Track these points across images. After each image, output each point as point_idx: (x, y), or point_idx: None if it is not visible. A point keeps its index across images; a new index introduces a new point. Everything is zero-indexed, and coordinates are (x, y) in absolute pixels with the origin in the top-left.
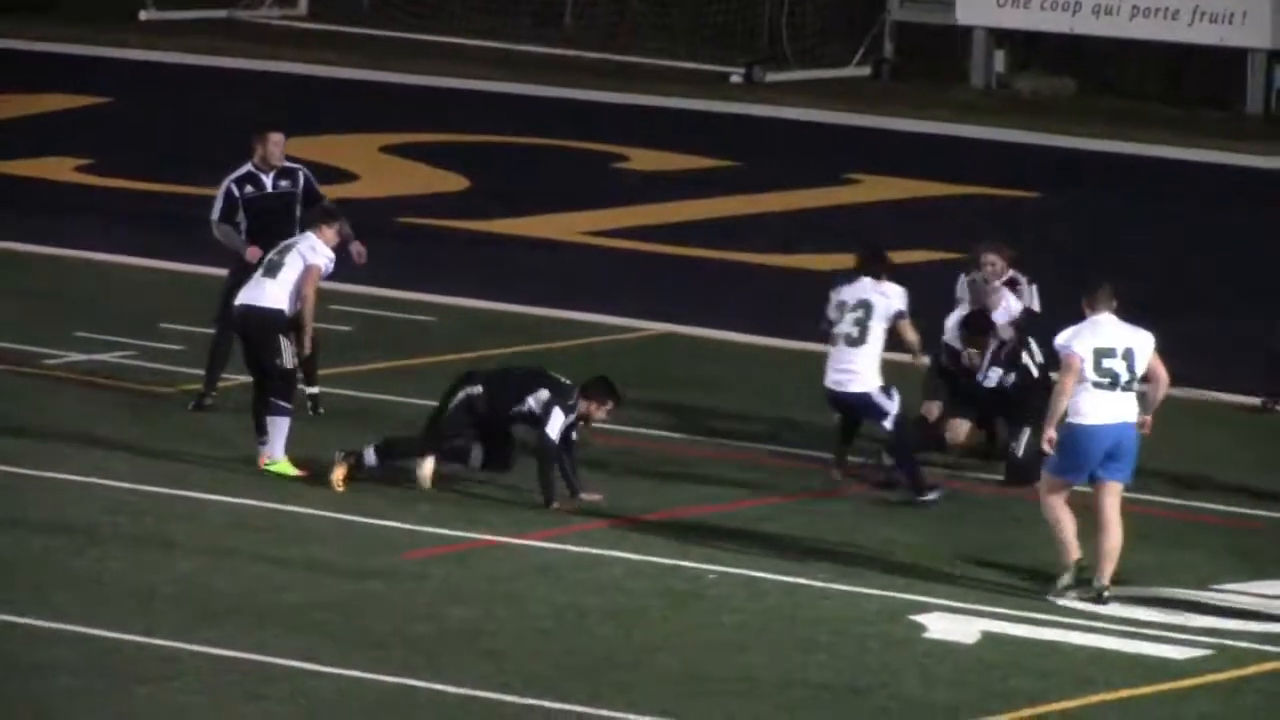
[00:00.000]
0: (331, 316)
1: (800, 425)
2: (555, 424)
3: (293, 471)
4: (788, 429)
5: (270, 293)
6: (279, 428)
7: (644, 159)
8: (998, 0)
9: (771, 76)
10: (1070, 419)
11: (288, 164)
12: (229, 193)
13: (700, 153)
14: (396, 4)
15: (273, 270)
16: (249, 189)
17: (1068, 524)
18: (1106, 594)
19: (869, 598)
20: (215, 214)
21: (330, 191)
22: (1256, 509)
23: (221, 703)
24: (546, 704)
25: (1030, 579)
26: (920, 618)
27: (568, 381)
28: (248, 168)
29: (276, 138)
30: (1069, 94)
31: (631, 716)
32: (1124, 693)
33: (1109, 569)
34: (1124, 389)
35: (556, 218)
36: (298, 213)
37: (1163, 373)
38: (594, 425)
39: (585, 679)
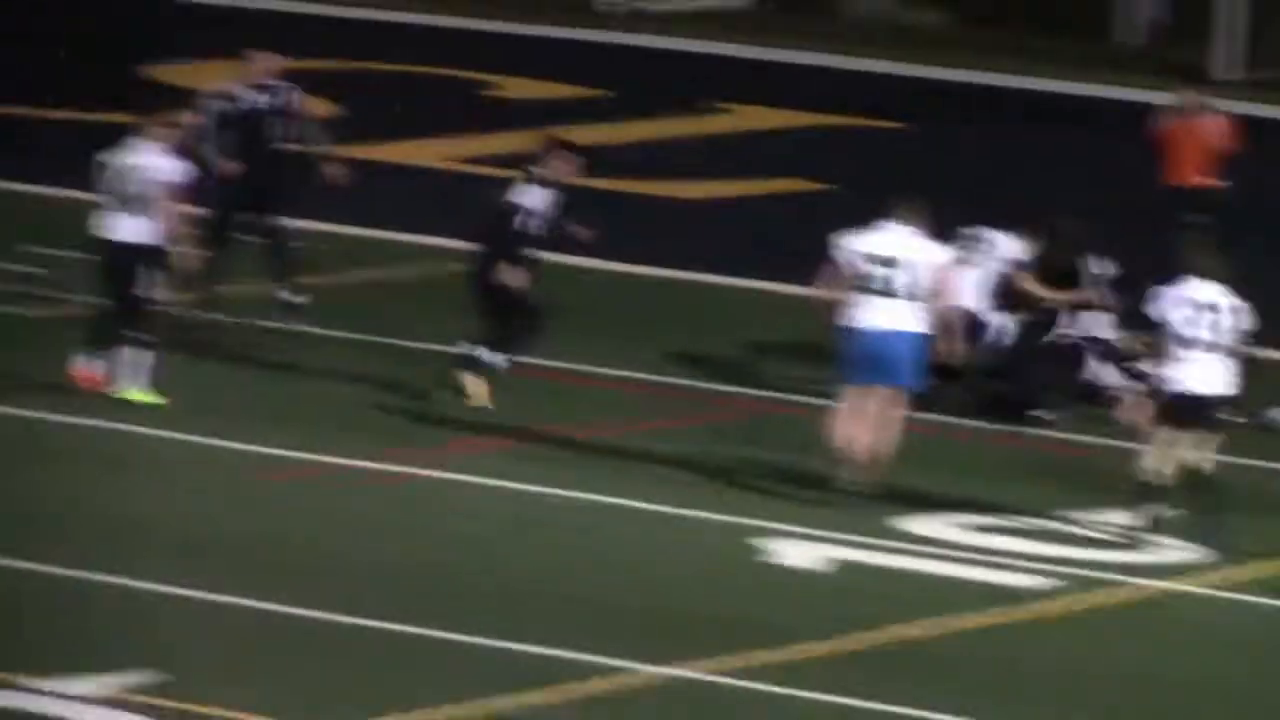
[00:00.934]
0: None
1: (669, 353)
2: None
3: (156, 400)
4: (656, 357)
5: (130, 226)
6: (130, 358)
7: (516, 86)
8: None
9: (652, 6)
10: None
11: (271, 82)
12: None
13: (572, 81)
14: None
15: (128, 202)
16: (225, 102)
17: (849, 438)
18: (857, 489)
19: (718, 523)
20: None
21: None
22: (1101, 438)
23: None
24: (399, 626)
25: (888, 502)
26: (773, 543)
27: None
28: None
29: (262, 56)
30: (944, 27)
31: (483, 641)
32: (976, 620)
33: (872, 469)
34: (897, 297)
35: (427, 144)
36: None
37: (947, 289)
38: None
39: (434, 601)
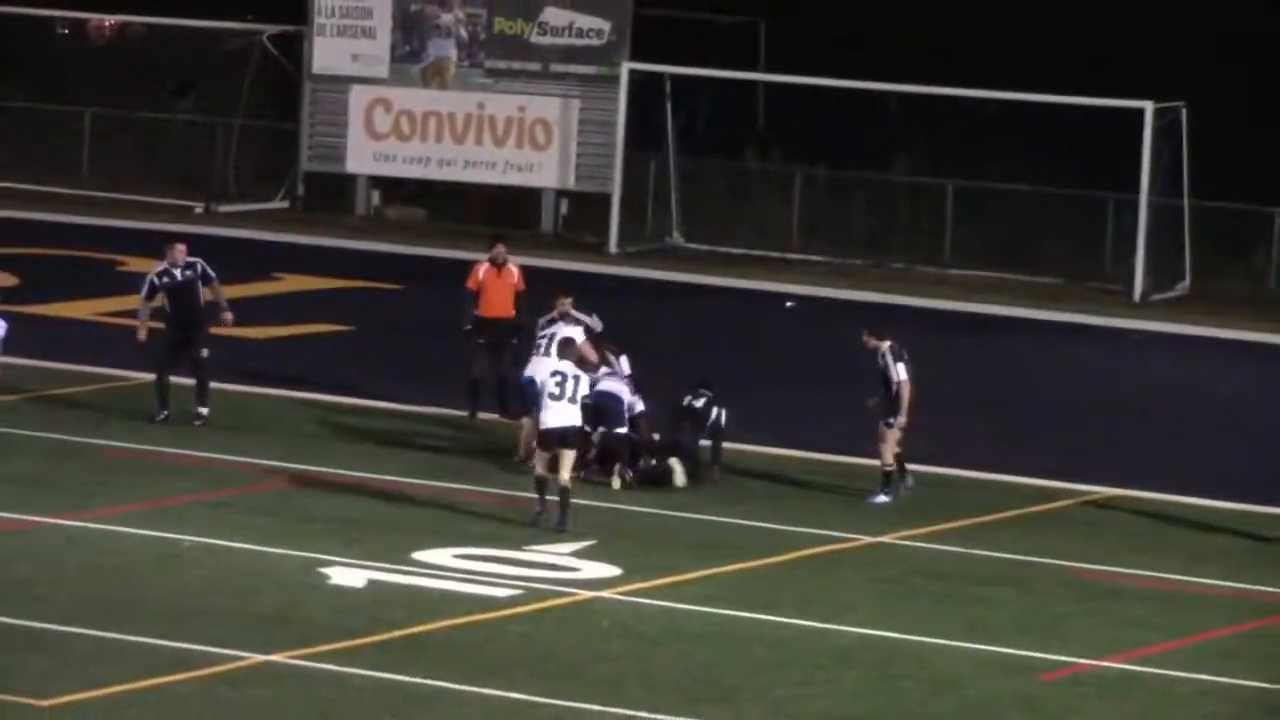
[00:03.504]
0: None
1: (241, 444)
2: None
3: None
4: (234, 445)
5: None
6: None
7: (137, 264)
8: (373, 156)
9: (223, 208)
10: None
11: (189, 259)
12: (150, 281)
13: None
14: None
15: None
16: (165, 279)
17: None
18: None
19: (291, 556)
20: (142, 292)
21: None
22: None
23: None
24: (77, 630)
25: (394, 540)
26: (325, 570)
27: None
28: (163, 265)
29: (180, 247)
30: (422, 220)
31: (135, 639)
32: (464, 619)
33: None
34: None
35: (79, 303)
36: (200, 293)
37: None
38: None
39: (100, 612)
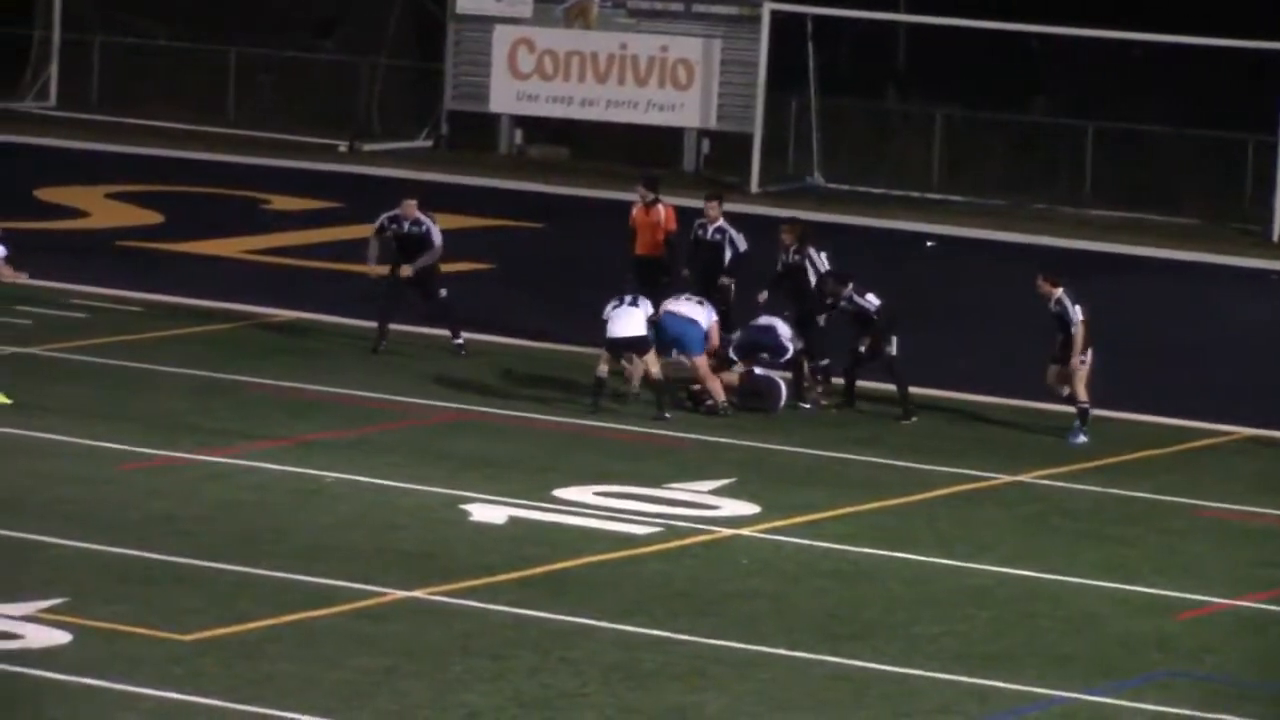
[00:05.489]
0: (73, 307)
1: (386, 379)
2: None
3: (6, 401)
4: (386, 381)
5: None
6: None
7: (282, 202)
8: (516, 95)
9: (367, 147)
10: None
11: (419, 217)
12: (381, 220)
13: (319, 198)
14: (117, 99)
15: None
16: (393, 225)
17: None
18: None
19: (433, 493)
20: (374, 229)
21: (67, 225)
22: (684, 432)
23: None
24: (219, 565)
25: (535, 477)
26: (466, 506)
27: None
28: (396, 211)
29: (411, 202)
30: (564, 159)
31: (276, 574)
32: (604, 556)
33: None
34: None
35: (224, 241)
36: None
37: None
38: None
39: (241, 547)
